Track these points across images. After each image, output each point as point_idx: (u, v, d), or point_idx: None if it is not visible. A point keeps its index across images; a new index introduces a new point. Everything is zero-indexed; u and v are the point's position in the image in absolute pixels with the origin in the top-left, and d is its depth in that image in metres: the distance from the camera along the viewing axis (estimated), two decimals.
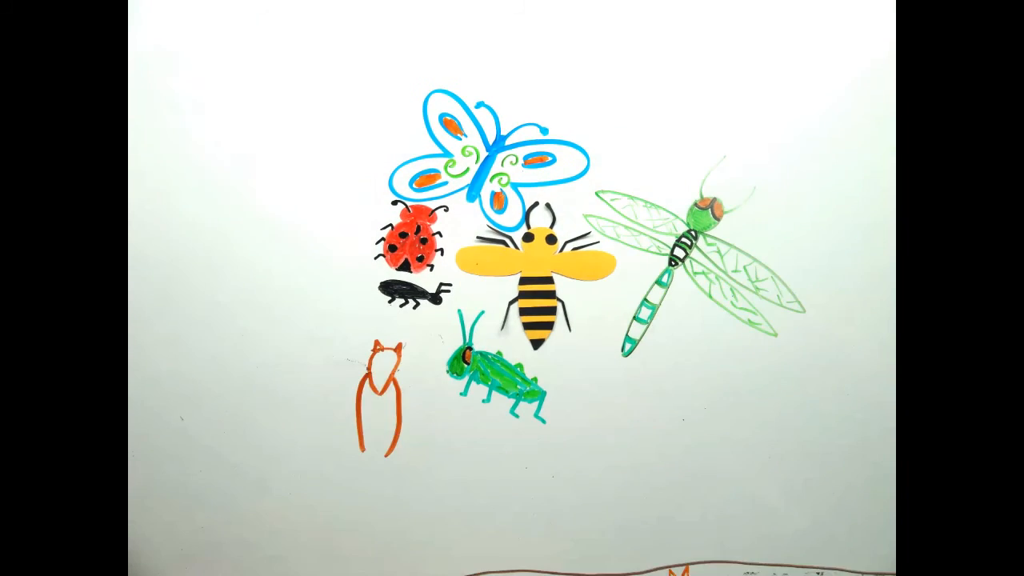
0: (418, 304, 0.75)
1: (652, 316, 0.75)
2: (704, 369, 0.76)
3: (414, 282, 0.76)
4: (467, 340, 0.76)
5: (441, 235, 0.75)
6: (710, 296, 0.75)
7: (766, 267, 0.75)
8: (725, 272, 0.75)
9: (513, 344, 0.76)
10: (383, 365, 0.76)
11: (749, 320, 0.75)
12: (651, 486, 0.77)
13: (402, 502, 0.78)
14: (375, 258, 0.75)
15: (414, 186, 0.75)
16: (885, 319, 0.75)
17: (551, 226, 0.75)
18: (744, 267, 0.75)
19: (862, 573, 0.79)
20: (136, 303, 0.75)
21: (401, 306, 0.76)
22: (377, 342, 0.76)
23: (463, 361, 0.76)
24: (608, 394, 0.76)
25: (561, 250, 0.75)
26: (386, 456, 0.77)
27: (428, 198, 0.75)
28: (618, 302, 0.75)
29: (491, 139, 0.75)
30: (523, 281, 0.76)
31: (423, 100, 0.74)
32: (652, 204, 0.75)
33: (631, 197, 0.75)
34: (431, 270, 0.75)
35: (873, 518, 0.77)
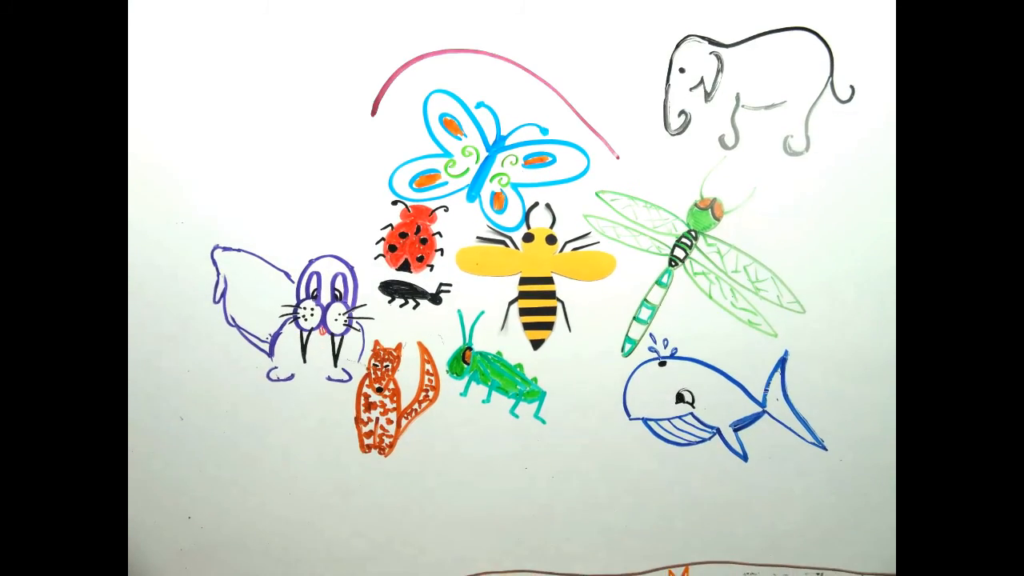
0: (418, 304, 0.75)
1: (652, 316, 0.75)
2: (704, 369, 0.76)
3: (414, 282, 0.76)
4: (467, 340, 0.76)
5: (441, 235, 0.75)
6: (710, 297, 0.75)
7: (766, 268, 0.75)
8: (725, 272, 0.75)
9: (513, 344, 0.76)
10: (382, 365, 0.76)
11: (749, 320, 0.75)
12: (651, 486, 0.77)
13: (402, 502, 0.78)
14: (375, 258, 0.75)
15: (414, 186, 0.75)
16: (885, 319, 0.74)
17: (551, 226, 0.75)
18: (744, 267, 0.75)
19: (862, 574, 0.79)
20: (136, 302, 0.75)
21: (401, 306, 0.76)
22: (377, 342, 0.76)
23: (463, 361, 0.76)
24: (608, 394, 0.76)
25: (561, 250, 0.75)
26: (386, 456, 0.77)
27: (428, 198, 0.75)
28: (618, 302, 0.75)
29: (491, 139, 0.75)
30: (523, 281, 0.75)
31: (423, 100, 0.74)
32: (652, 204, 0.75)
33: (631, 197, 0.75)
34: (431, 270, 0.75)
35: (873, 518, 0.77)
